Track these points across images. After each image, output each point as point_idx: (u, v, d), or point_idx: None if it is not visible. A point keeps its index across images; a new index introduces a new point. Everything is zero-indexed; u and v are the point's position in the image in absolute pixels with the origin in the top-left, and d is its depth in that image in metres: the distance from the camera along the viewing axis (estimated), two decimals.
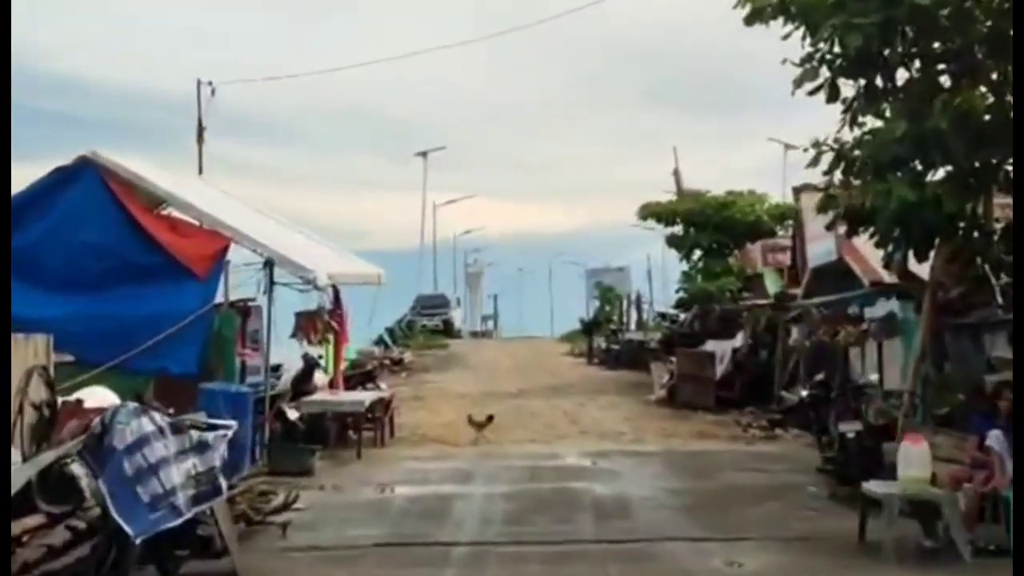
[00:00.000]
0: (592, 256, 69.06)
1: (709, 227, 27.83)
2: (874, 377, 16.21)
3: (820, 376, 16.51)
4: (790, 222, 27.10)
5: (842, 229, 13.44)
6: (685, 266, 30.11)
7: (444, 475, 15.47)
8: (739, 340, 24.19)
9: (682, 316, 45.09)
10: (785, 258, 29.53)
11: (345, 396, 18.40)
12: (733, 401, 23.52)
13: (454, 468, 16.15)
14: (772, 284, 24.43)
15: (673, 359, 25.05)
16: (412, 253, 59.57)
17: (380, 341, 41.94)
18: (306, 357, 20.15)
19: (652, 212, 30.23)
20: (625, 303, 47.47)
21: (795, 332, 21.49)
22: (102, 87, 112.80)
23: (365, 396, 18.37)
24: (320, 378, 18.85)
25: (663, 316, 45.66)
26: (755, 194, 29.74)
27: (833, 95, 12.08)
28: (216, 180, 21.38)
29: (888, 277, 15.01)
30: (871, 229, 12.50)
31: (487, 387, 28.71)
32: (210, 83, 25.42)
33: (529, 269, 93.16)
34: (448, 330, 53.21)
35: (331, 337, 19.05)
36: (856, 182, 12.49)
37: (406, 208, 56.74)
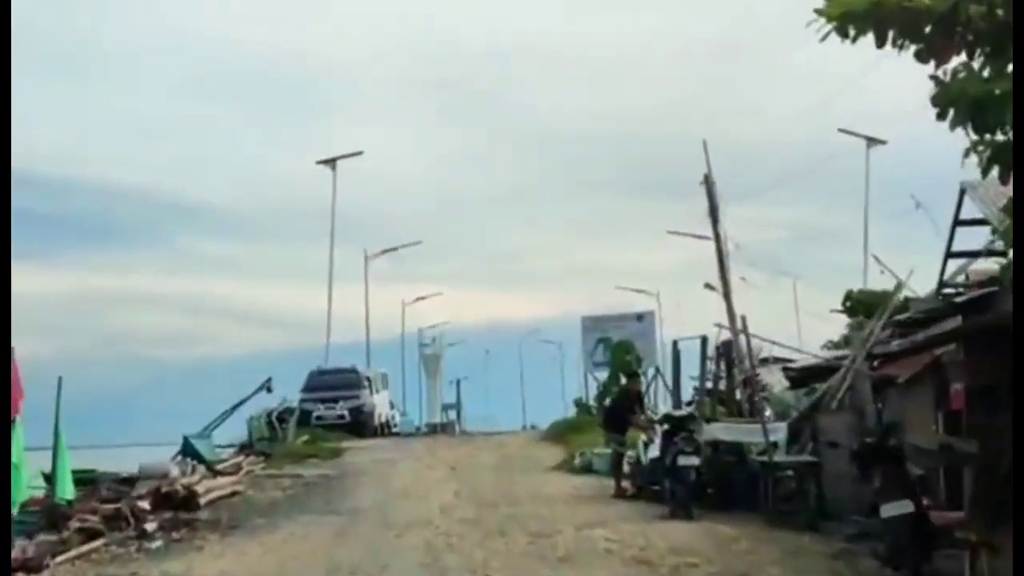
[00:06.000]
0: (568, 341, 47.21)
1: None
2: None
3: None
4: None
5: None
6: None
7: None
8: None
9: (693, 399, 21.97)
10: None
11: None
12: None
13: None
14: None
15: None
16: (378, 346, 45.63)
17: (187, 449, 20.90)
18: None
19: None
20: (658, 371, 26.42)
21: None
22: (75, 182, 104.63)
23: None
24: None
25: (668, 419, 19.69)
26: None
27: None
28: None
29: None
30: None
31: None
32: None
33: (497, 353, 72.49)
34: (359, 424, 32.26)
35: None
36: None
37: (376, 302, 43.74)
